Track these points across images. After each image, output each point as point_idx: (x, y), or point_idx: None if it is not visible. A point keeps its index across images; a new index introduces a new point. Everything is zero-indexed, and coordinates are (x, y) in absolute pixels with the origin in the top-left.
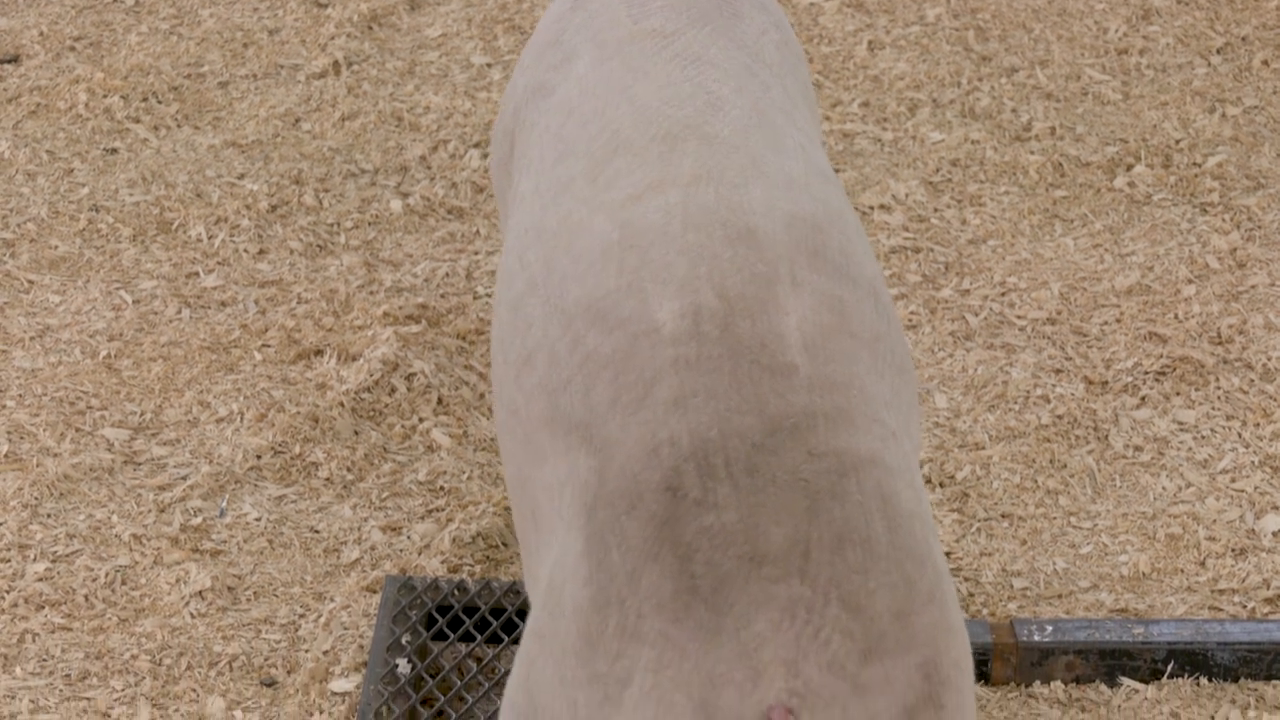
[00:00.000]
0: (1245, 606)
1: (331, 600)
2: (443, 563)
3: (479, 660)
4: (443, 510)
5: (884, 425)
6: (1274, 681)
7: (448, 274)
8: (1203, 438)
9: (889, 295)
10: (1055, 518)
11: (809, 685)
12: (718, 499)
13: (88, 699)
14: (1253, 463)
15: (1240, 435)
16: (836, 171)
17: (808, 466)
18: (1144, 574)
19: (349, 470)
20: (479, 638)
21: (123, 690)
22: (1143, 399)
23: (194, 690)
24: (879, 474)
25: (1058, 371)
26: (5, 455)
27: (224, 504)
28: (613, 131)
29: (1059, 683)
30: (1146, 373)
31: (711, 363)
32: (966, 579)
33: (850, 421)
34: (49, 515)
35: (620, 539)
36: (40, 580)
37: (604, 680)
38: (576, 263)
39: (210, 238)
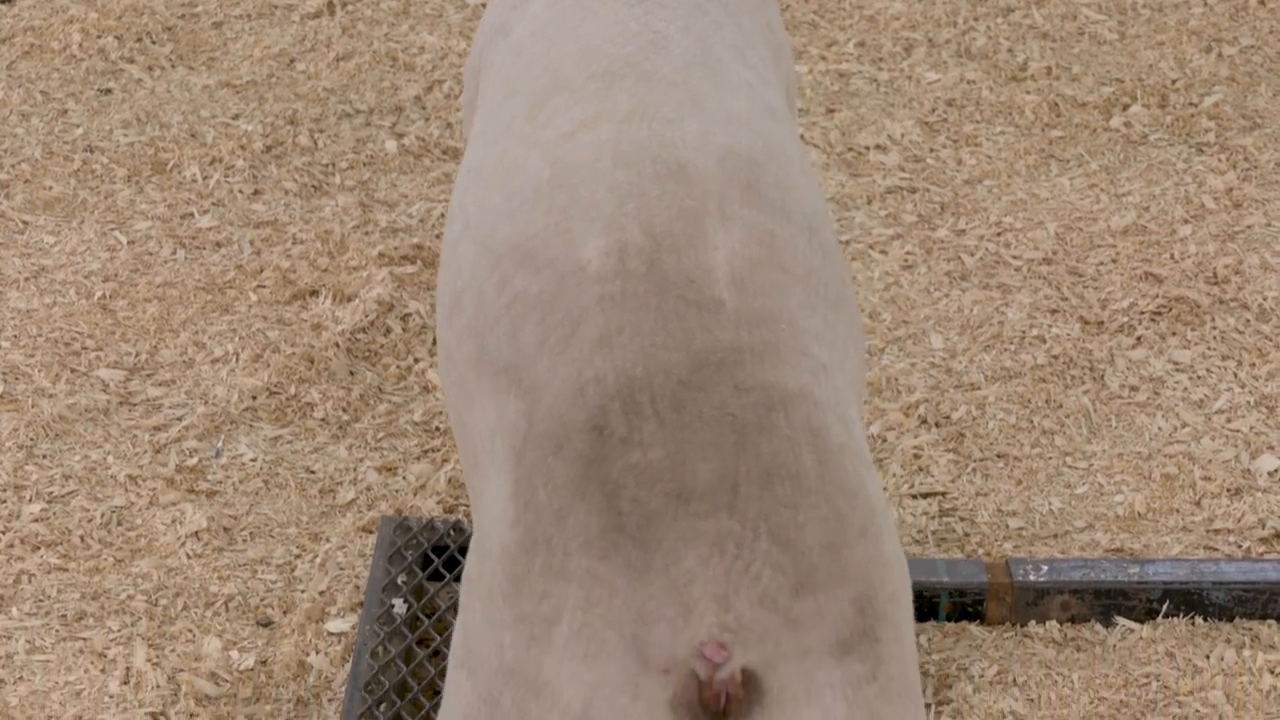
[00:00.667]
0: (1240, 546)
1: (327, 541)
2: (438, 503)
3: None
4: (438, 451)
5: (814, 359)
6: (1269, 621)
7: (443, 214)
8: (1198, 378)
9: (831, 232)
10: (1051, 458)
11: (740, 620)
12: (644, 436)
13: (84, 639)
14: (1248, 403)
15: (1236, 375)
16: (830, 112)
17: (735, 401)
18: (1139, 514)
19: (344, 411)
20: None
21: (119, 631)
22: (1138, 339)
23: (190, 630)
24: (808, 408)
25: (1053, 312)
26: (0, 396)
27: (220, 445)
28: (555, 71)
29: (1054, 622)
30: (1142, 313)
31: (637, 300)
32: (962, 519)
33: (778, 356)
34: (44, 456)
35: (547, 479)
36: (36, 521)
37: (530, 620)
38: (508, 202)
39: (205, 178)
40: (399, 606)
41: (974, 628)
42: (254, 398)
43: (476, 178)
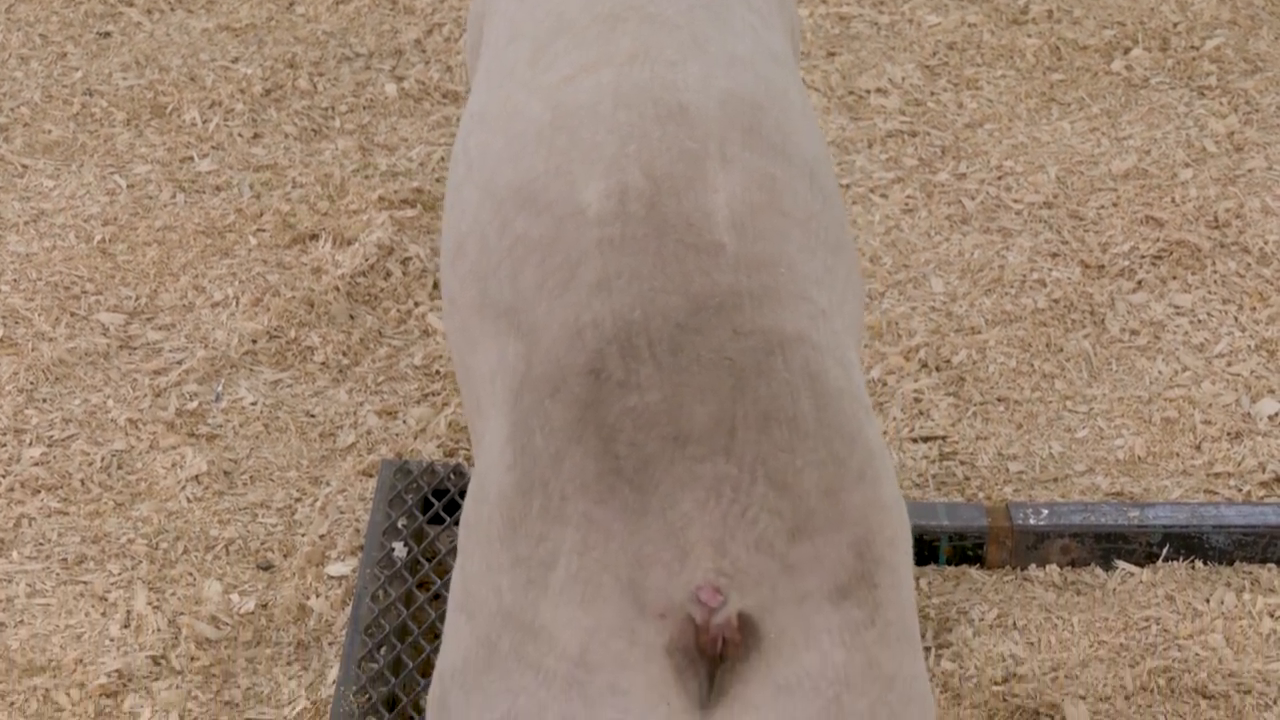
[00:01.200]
0: (1241, 490)
1: (327, 484)
2: (439, 447)
3: None
4: (438, 394)
5: (813, 303)
6: (1269, 564)
7: (443, 158)
8: (1199, 321)
9: (832, 176)
10: (1051, 402)
11: (737, 564)
12: (641, 380)
13: (84, 583)
14: (1249, 346)
15: (1236, 319)
16: (831, 55)
17: (733, 345)
18: (1139, 458)
19: (344, 354)
20: None
21: (119, 574)
22: (1139, 283)
23: (191, 574)
24: (806, 351)
25: (1054, 255)
26: (0, 340)
27: (220, 388)
28: (558, 14)
29: (1054, 566)
30: (1143, 256)
31: (636, 243)
32: (962, 463)
33: (777, 300)
34: (44, 400)
35: (544, 422)
36: (36, 465)
37: (527, 564)
38: (510, 145)
39: (204, 122)
40: (399, 550)
41: (974, 571)
42: (254, 341)
43: (480, 122)
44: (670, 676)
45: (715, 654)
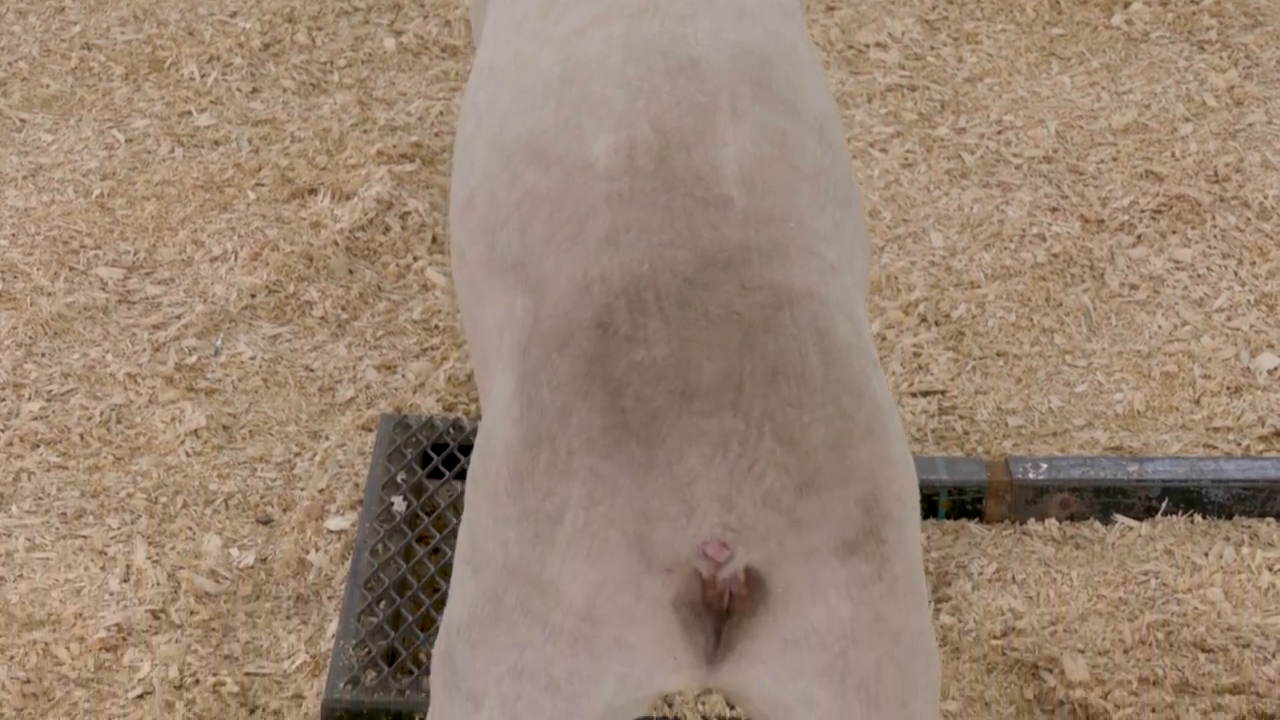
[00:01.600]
0: (1240, 444)
1: (327, 439)
2: (438, 401)
3: None
4: (437, 349)
5: (822, 259)
6: (1268, 519)
7: (442, 112)
8: (1199, 276)
9: (840, 132)
10: (1050, 356)
11: (743, 519)
12: (648, 334)
13: (84, 537)
14: (1248, 301)
15: (1236, 274)
16: (830, 9)
17: (741, 300)
18: (1139, 412)
19: (343, 309)
20: None
21: (119, 528)
22: (1139, 237)
23: (190, 528)
24: (815, 307)
25: (1054, 210)
26: None
27: (219, 343)
28: None
29: (1053, 520)
30: (1143, 211)
31: (645, 197)
32: (962, 417)
33: (786, 255)
34: (43, 354)
35: (551, 376)
36: (35, 419)
37: (534, 517)
38: (519, 99)
39: (203, 76)
40: (398, 504)
41: (973, 525)
42: (253, 296)
43: (489, 76)
44: (677, 631)
45: (722, 609)
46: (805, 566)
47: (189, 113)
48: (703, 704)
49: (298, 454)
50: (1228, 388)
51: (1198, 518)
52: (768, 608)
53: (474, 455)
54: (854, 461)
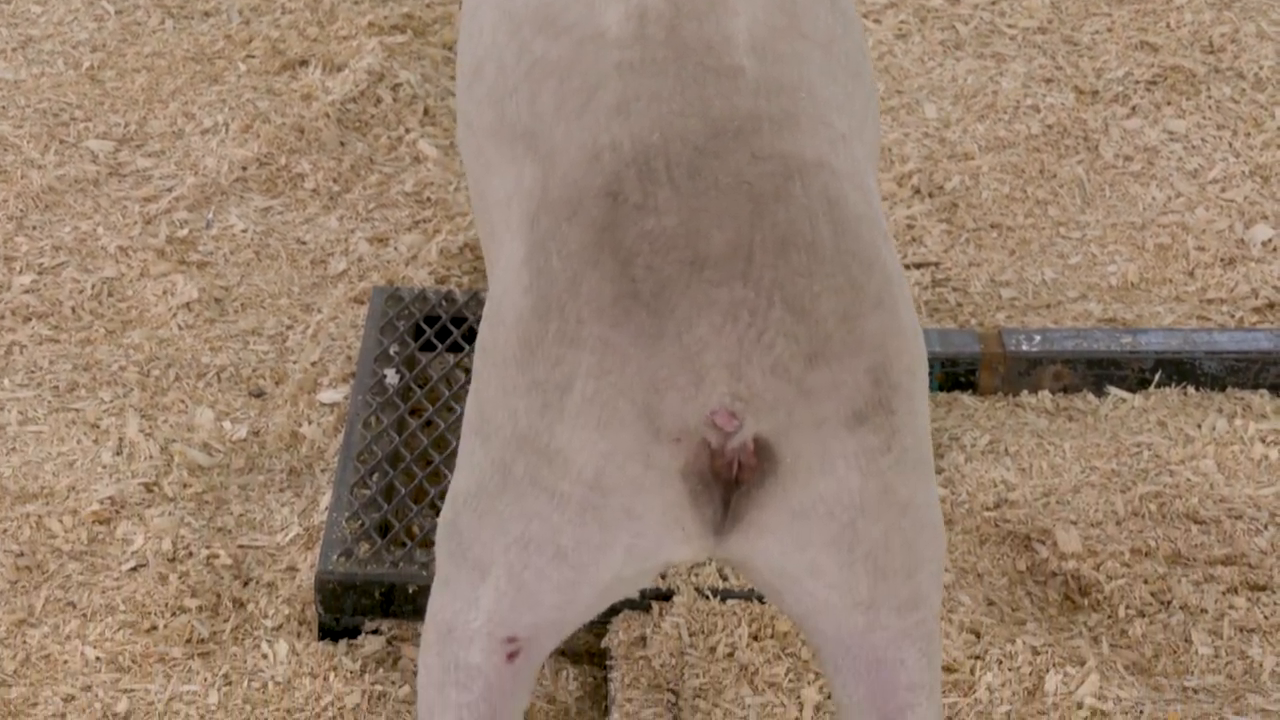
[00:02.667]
0: (1233, 316)
1: (319, 311)
2: (430, 274)
3: (467, 371)
4: (429, 221)
5: (833, 128)
6: (1261, 390)
7: None
8: (1193, 147)
9: (851, 1)
10: (1044, 228)
11: (752, 389)
12: (658, 203)
13: (76, 410)
14: (1243, 172)
15: (1231, 145)
16: None
17: (751, 169)
18: (1132, 284)
19: (335, 181)
20: (467, 348)
21: (111, 401)
22: (1133, 108)
23: (183, 401)
24: (825, 177)
25: (1048, 81)
26: None
27: (210, 216)
28: None
29: (1046, 392)
30: (1137, 82)
31: (656, 66)
32: (955, 289)
33: (797, 124)
34: (34, 227)
35: (561, 245)
36: (27, 292)
37: (543, 387)
38: None
39: None
40: (391, 377)
41: (966, 397)
42: (244, 168)
43: None
44: (685, 501)
45: (731, 479)
46: (814, 437)
47: None
48: (695, 575)
49: (290, 327)
50: (1222, 259)
51: (1191, 389)
52: (776, 478)
53: (482, 325)
54: (864, 332)
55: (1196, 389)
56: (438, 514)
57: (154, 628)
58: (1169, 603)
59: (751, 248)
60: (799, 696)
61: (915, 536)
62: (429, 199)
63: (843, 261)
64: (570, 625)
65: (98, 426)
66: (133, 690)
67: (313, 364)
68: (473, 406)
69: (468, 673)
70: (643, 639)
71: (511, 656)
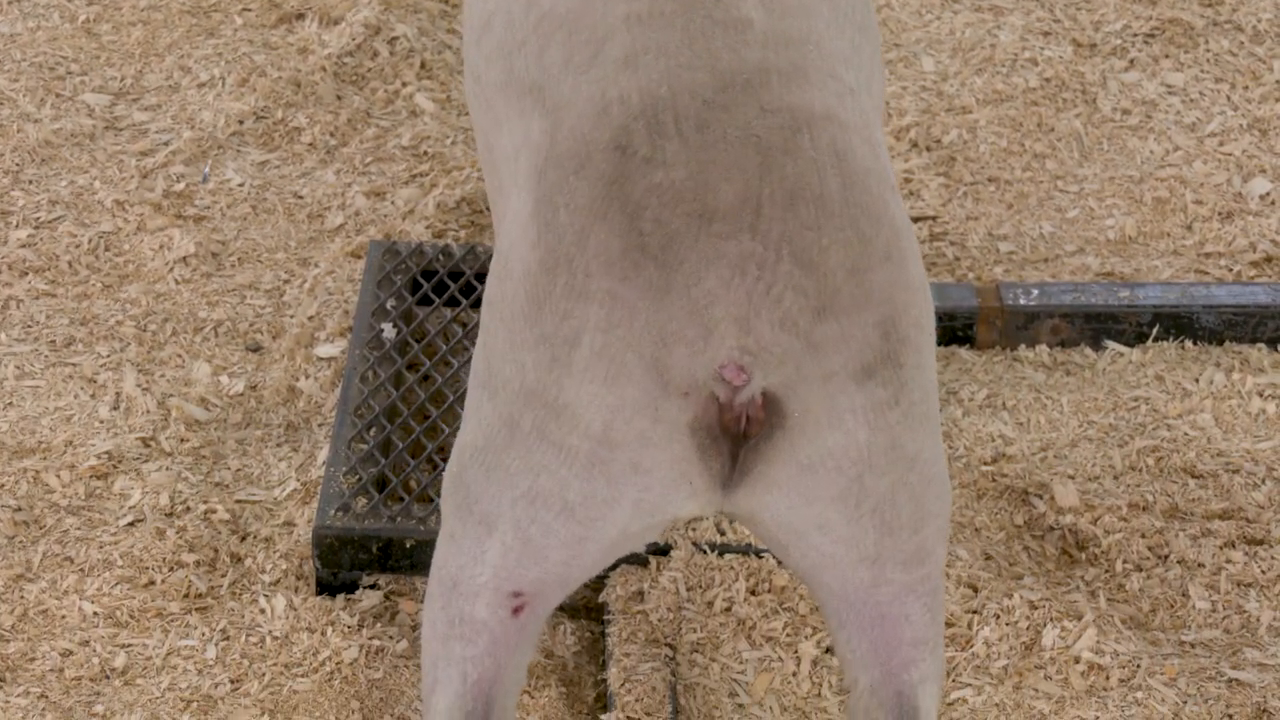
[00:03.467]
0: (1231, 270)
1: (316, 265)
2: (427, 228)
3: (464, 325)
4: (426, 175)
5: (841, 81)
6: (1258, 344)
7: None
8: (1191, 100)
9: None
10: (1042, 181)
11: (760, 342)
12: (667, 156)
13: (73, 364)
14: (1241, 125)
15: (1229, 98)
16: None
17: (760, 123)
18: (1130, 238)
19: (332, 135)
20: (464, 302)
21: (108, 356)
22: (1131, 61)
23: (180, 355)
24: (834, 130)
25: (1046, 34)
26: None
27: (207, 170)
28: None
29: (1044, 346)
30: (1135, 35)
31: (664, 19)
32: (953, 243)
33: (805, 77)
34: (30, 181)
35: (569, 199)
36: (23, 247)
37: (551, 341)
38: None
39: None
40: (388, 331)
41: (964, 351)
42: (240, 122)
43: None
44: (693, 455)
45: (738, 433)
46: (823, 390)
47: None
48: (693, 530)
49: (287, 281)
50: (1219, 213)
51: (1188, 343)
52: (784, 432)
53: (489, 279)
54: (872, 285)
55: (1194, 343)
56: (435, 468)
57: (151, 582)
58: (1166, 557)
59: (760, 201)
60: (796, 651)
61: (922, 491)
62: (426, 153)
63: (851, 215)
64: (576, 580)
65: (95, 381)
66: (130, 645)
67: (309, 318)
68: (480, 360)
69: (473, 626)
70: (640, 594)
71: (517, 611)
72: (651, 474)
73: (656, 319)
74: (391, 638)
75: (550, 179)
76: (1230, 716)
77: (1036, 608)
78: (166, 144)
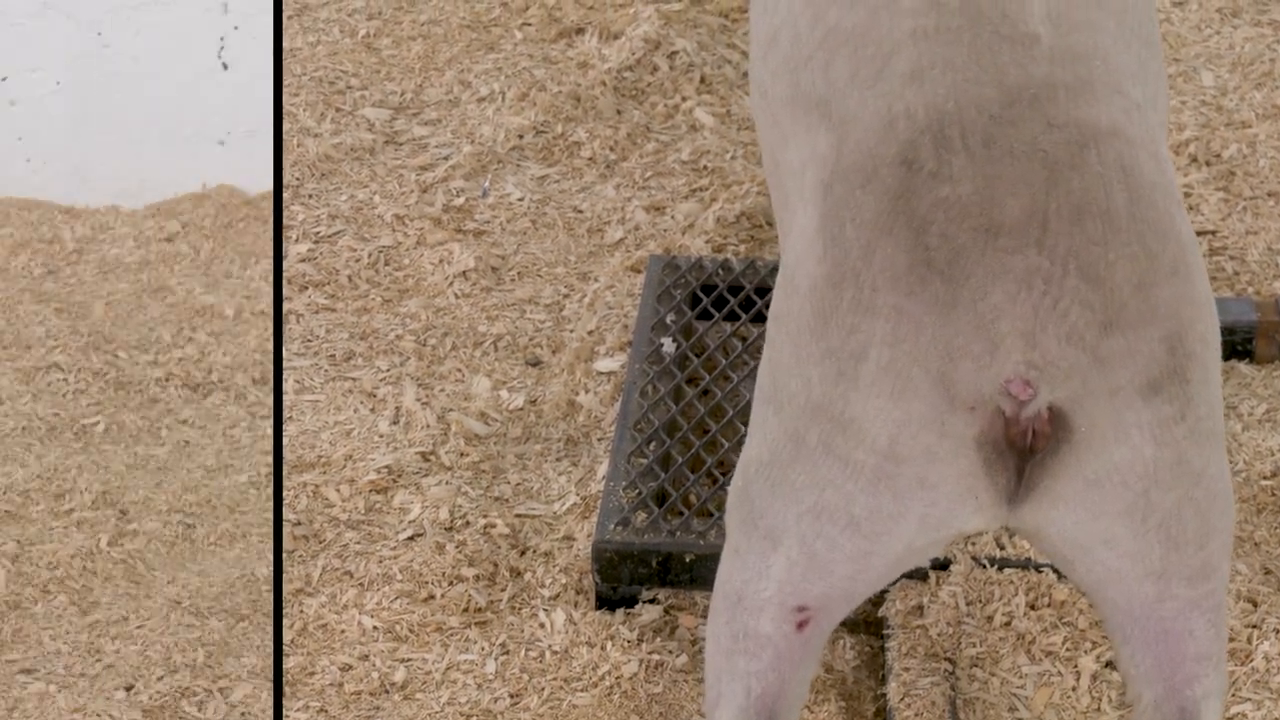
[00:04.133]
0: None
1: (595, 280)
2: (707, 242)
3: (744, 339)
4: (706, 190)
5: (1127, 97)
6: None
7: None
8: None
9: None
10: None
11: (1047, 357)
12: (953, 171)
13: (353, 379)
14: None
15: None
16: None
17: (1046, 137)
18: None
19: (611, 150)
20: (744, 317)
21: (388, 370)
22: None
23: (459, 370)
24: (1120, 145)
25: None
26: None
27: (487, 184)
28: None
29: None
30: None
31: (950, 34)
32: (1232, 257)
33: (1092, 92)
34: (310, 196)
35: (855, 213)
36: (303, 261)
37: (838, 355)
38: None
39: None
40: (668, 345)
41: (1243, 366)
42: (520, 137)
43: None
44: (979, 470)
45: (1025, 447)
46: (1109, 405)
47: None
48: (972, 544)
49: (566, 295)
50: None
51: None
52: (1071, 447)
53: (775, 293)
54: (1159, 300)
55: None
56: (714, 483)
57: (431, 597)
58: None
59: (1046, 216)
60: (1076, 665)
61: (1208, 507)
62: (705, 167)
63: (1137, 229)
64: (860, 595)
65: (374, 395)
66: (410, 659)
67: (589, 333)
68: (765, 375)
69: (757, 641)
70: (920, 608)
71: (801, 626)
72: (938, 489)
73: (942, 333)
74: (671, 652)
75: (836, 193)
76: None
77: None
78: (446, 158)
